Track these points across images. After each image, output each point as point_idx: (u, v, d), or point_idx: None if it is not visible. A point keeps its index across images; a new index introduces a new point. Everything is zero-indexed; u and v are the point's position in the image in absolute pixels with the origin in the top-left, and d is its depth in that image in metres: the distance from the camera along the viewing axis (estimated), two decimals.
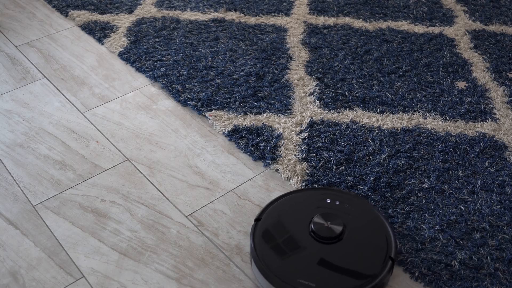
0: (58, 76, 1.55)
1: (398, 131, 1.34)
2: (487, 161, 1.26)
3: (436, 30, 1.74)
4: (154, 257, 1.07)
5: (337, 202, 1.08)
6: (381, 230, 1.04)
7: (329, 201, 1.08)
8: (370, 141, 1.31)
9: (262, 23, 1.76)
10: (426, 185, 1.20)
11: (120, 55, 1.61)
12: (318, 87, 1.48)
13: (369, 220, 1.05)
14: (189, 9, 1.83)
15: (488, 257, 1.06)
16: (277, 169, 1.25)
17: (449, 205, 1.16)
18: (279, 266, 0.97)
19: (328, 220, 1.03)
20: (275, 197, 1.12)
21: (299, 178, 1.21)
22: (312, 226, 1.02)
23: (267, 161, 1.26)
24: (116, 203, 1.17)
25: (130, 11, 1.82)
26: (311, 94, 1.46)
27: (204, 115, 1.40)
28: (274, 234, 1.02)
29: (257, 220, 1.04)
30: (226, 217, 1.15)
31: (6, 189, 1.20)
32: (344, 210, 1.06)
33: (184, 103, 1.44)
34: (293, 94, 1.46)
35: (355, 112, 1.40)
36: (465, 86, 1.50)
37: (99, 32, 1.71)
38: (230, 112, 1.39)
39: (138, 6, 1.84)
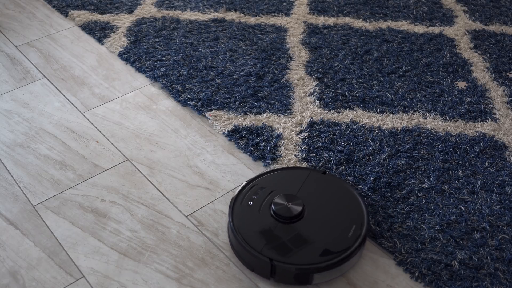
0: (58, 76, 1.55)
1: (398, 131, 1.34)
2: (487, 161, 1.26)
3: (436, 30, 1.74)
4: (154, 257, 1.07)
5: (258, 194, 1.11)
6: (349, 199, 1.11)
7: (254, 197, 1.10)
8: (370, 141, 1.31)
9: (262, 23, 1.76)
10: (426, 185, 1.20)
11: (120, 55, 1.62)
12: (318, 87, 1.48)
13: (338, 192, 1.12)
14: (189, 9, 1.83)
15: (488, 257, 1.06)
16: None
17: (449, 205, 1.16)
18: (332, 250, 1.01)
19: (288, 201, 1.07)
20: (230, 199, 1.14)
21: None
22: (281, 215, 1.05)
23: (267, 161, 1.26)
24: (116, 203, 1.17)
25: (130, 11, 1.82)
26: (311, 94, 1.46)
27: (204, 115, 1.40)
28: (286, 252, 1.01)
29: (272, 261, 1.00)
30: (226, 217, 1.14)
31: (6, 189, 1.20)
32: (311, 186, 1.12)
33: (184, 103, 1.44)
34: (293, 94, 1.46)
35: (355, 112, 1.40)
36: (465, 86, 1.50)
37: (99, 32, 1.71)
38: (230, 112, 1.39)
39: (138, 6, 1.84)
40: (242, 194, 1.11)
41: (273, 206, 1.06)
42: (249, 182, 1.14)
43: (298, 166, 1.22)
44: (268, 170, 1.19)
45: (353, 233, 1.03)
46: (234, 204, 1.09)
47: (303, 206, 1.07)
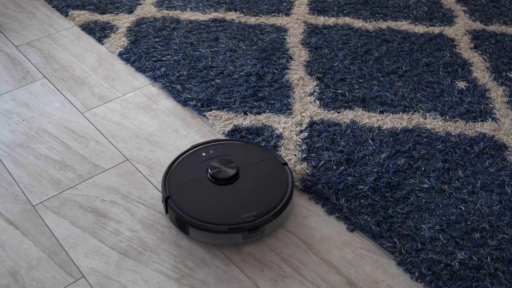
0: (58, 76, 1.55)
1: (398, 131, 1.34)
2: (487, 161, 1.26)
3: (436, 30, 1.74)
4: (154, 257, 1.07)
5: (211, 151, 1.20)
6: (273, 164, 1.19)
7: (204, 154, 1.19)
8: (370, 141, 1.31)
9: (262, 23, 1.76)
10: (426, 185, 1.20)
11: (120, 55, 1.62)
12: (318, 87, 1.48)
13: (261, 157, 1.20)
14: (189, 9, 1.83)
15: (488, 257, 1.06)
16: None
17: (449, 205, 1.16)
18: (216, 217, 1.07)
19: (222, 165, 1.15)
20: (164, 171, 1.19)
21: (299, 178, 1.21)
22: (211, 174, 1.14)
23: None
24: (116, 203, 1.17)
25: (130, 11, 1.82)
26: (311, 94, 1.46)
27: (204, 115, 1.40)
28: (189, 199, 1.11)
29: (167, 198, 1.11)
30: None
31: (6, 189, 1.20)
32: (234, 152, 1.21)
33: (184, 103, 1.44)
34: (293, 94, 1.46)
35: (355, 112, 1.40)
36: (465, 86, 1.50)
37: (99, 32, 1.71)
38: (230, 112, 1.39)
39: (138, 6, 1.84)
40: (203, 145, 1.22)
41: (211, 163, 1.15)
42: (220, 140, 1.25)
43: (268, 149, 1.24)
44: (245, 140, 1.28)
45: (247, 216, 1.07)
46: (191, 149, 1.21)
47: (234, 174, 1.13)
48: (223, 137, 1.32)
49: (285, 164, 1.18)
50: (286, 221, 1.14)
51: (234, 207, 1.09)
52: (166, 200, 1.10)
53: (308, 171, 1.23)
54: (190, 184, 1.13)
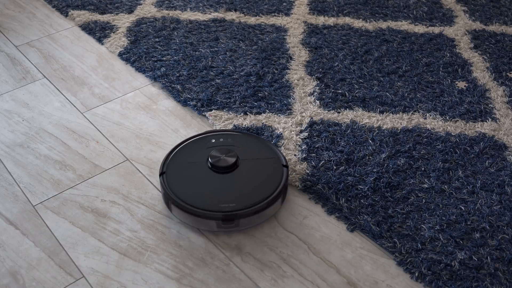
0: (58, 76, 1.55)
1: (398, 131, 1.34)
2: (487, 161, 1.26)
3: (436, 30, 1.74)
4: (154, 257, 1.07)
5: (221, 139, 1.23)
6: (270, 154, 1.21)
7: (213, 140, 1.22)
8: (370, 141, 1.31)
9: (262, 23, 1.76)
10: (426, 185, 1.20)
11: (120, 55, 1.62)
12: (318, 87, 1.48)
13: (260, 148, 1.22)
14: (189, 9, 1.83)
15: (488, 257, 1.06)
16: None
17: (449, 205, 1.16)
18: (196, 201, 1.09)
19: (223, 154, 1.17)
20: (170, 150, 1.22)
21: (299, 178, 1.21)
22: (210, 159, 1.16)
23: None
24: (116, 203, 1.17)
25: (130, 11, 1.82)
26: (311, 94, 1.46)
27: (204, 115, 1.40)
28: (182, 179, 1.14)
29: (162, 173, 1.15)
30: None
31: (6, 189, 1.20)
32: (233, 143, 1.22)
33: (184, 103, 1.44)
34: (293, 94, 1.46)
35: (355, 112, 1.40)
36: (465, 86, 1.50)
37: (99, 32, 1.71)
38: (230, 112, 1.39)
39: (138, 6, 1.84)
40: (217, 132, 1.25)
41: (212, 152, 1.17)
42: (234, 131, 1.26)
43: (277, 148, 1.24)
44: (258, 136, 1.27)
45: (225, 206, 1.08)
46: (204, 134, 1.24)
47: (231, 165, 1.14)
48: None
49: (286, 166, 1.18)
50: (286, 221, 1.14)
51: (218, 195, 1.10)
52: (160, 175, 1.14)
53: (308, 171, 1.23)
54: (188, 165, 1.16)
